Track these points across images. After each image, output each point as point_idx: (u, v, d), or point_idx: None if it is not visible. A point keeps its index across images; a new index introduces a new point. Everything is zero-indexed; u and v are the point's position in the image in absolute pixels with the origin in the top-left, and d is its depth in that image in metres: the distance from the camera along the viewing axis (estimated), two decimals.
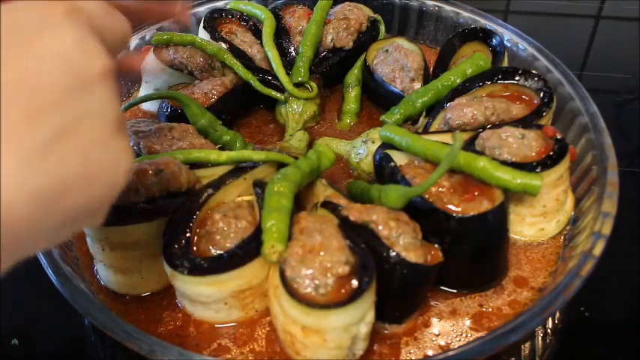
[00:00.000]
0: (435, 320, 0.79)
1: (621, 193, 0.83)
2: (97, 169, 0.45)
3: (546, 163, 0.80)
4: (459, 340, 0.77)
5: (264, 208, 0.75)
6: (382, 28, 1.20)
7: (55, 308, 0.90)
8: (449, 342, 0.77)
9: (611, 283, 0.91)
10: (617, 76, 1.34)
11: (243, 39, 1.14)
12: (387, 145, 0.88)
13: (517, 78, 0.94)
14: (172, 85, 1.06)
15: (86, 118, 0.44)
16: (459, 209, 0.76)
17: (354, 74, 1.14)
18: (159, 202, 0.79)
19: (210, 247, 0.75)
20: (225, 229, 0.76)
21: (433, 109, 0.98)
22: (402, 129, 0.89)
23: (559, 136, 0.83)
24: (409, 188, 0.76)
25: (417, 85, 1.04)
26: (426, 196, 0.77)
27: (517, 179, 0.77)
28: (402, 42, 1.11)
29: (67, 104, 0.43)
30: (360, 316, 0.67)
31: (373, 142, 0.94)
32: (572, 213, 0.90)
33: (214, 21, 1.16)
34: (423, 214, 0.76)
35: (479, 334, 0.77)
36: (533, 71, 0.95)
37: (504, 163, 0.80)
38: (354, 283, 0.68)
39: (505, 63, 1.06)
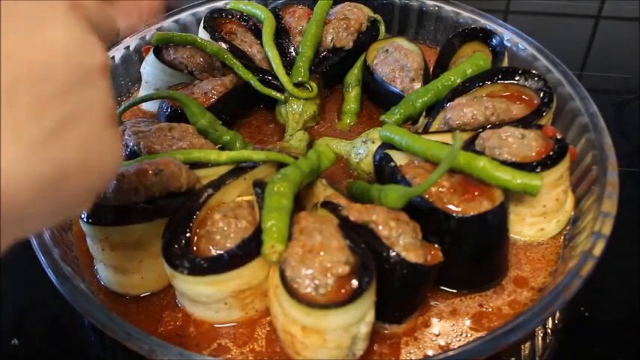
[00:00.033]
0: (435, 320, 0.79)
1: (621, 193, 0.83)
2: (93, 158, 0.47)
3: (546, 163, 0.80)
4: (459, 340, 0.77)
5: (264, 208, 0.75)
6: (382, 28, 1.20)
7: (55, 308, 0.90)
8: (449, 342, 0.77)
9: (611, 283, 0.91)
10: (617, 76, 1.34)
11: (243, 39, 1.14)
12: (387, 145, 0.88)
13: (517, 78, 0.94)
14: (172, 85, 1.06)
15: (86, 110, 0.46)
16: (459, 209, 0.76)
17: (354, 74, 1.14)
18: (159, 202, 0.79)
19: (210, 247, 0.75)
20: (225, 229, 0.76)
21: (433, 109, 0.98)
22: (402, 129, 0.89)
23: (559, 136, 0.84)
24: (409, 188, 0.76)
25: (417, 85, 1.04)
26: (426, 196, 0.77)
27: (517, 179, 0.77)
28: (402, 42, 1.11)
29: (70, 96, 0.45)
30: (360, 316, 0.67)
31: (373, 142, 0.94)
32: (572, 213, 0.90)
33: (214, 21, 1.16)
34: (423, 214, 0.76)
35: (479, 334, 0.77)
36: (533, 71, 0.95)
37: (504, 163, 0.80)
38: (354, 283, 0.68)
39: (505, 63, 1.06)
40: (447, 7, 1.24)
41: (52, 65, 0.44)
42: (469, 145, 0.85)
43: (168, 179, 0.79)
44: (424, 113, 0.99)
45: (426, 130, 0.94)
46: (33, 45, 0.43)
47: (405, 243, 0.72)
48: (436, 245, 0.77)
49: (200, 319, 0.78)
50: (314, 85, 1.07)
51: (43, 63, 0.43)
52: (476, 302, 0.81)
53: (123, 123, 0.94)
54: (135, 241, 0.78)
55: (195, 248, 0.76)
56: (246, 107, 1.12)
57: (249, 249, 0.73)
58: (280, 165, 0.88)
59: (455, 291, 0.82)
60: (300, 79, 1.06)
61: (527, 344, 0.83)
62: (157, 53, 1.07)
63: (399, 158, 0.86)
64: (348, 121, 1.10)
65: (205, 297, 0.74)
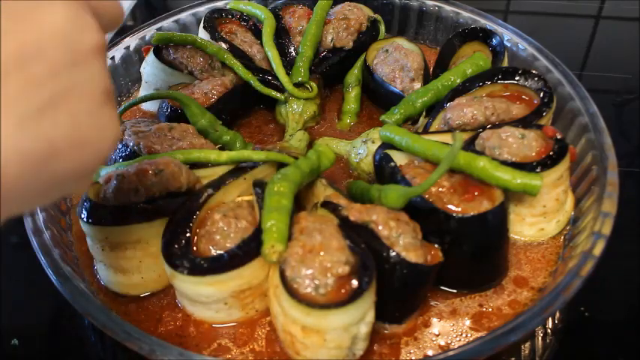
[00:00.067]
0: (435, 320, 0.79)
1: (621, 193, 0.83)
2: (85, 135, 0.48)
3: (546, 163, 0.80)
4: (459, 340, 0.77)
5: (264, 208, 0.75)
6: (382, 28, 1.20)
7: (55, 308, 0.90)
8: (449, 342, 0.77)
9: (611, 283, 0.91)
10: (617, 76, 1.34)
11: (243, 39, 1.14)
12: (387, 145, 0.88)
13: (517, 78, 0.94)
14: (172, 85, 1.06)
15: (78, 88, 0.47)
16: (459, 209, 0.76)
17: (354, 74, 1.14)
18: (159, 202, 0.79)
19: (210, 247, 0.75)
20: (225, 229, 0.76)
21: (433, 109, 0.98)
22: (402, 129, 0.89)
23: (559, 136, 0.83)
24: (409, 188, 0.76)
25: (417, 85, 1.04)
26: (426, 196, 0.77)
27: (517, 179, 0.77)
28: (402, 42, 1.11)
29: (61, 75, 0.46)
30: (360, 316, 0.67)
31: (373, 142, 0.94)
32: (572, 213, 0.90)
33: (214, 21, 1.16)
34: (423, 214, 0.76)
35: (479, 334, 0.77)
36: (533, 71, 0.95)
37: (504, 163, 0.80)
38: (354, 283, 0.68)
39: (505, 63, 1.06)
40: (447, 7, 1.24)
41: (45, 45, 0.45)
42: (469, 145, 0.85)
43: (168, 179, 0.79)
44: (424, 113, 0.99)
45: (426, 130, 0.94)
46: (26, 25, 0.44)
47: (405, 243, 0.72)
48: (436, 245, 0.77)
49: (200, 319, 0.78)
50: (314, 85, 1.07)
51: (34, 42, 0.44)
52: (476, 302, 0.81)
53: (123, 123, 0.94)
54: (135, 241, 0.78)
55: (195, 248, 0.76)
56: (246, 107, 1.12)
57: (249, 249, 0.73)
58: (280, 165, 0.88)
59: (455, 291, 0.82)
60: (300, 79, 1.06)
61: (527, 344, 0.83)
62: (157, 53, 1.07)
63: (399, 158, 0.86)
64: (348, 121, 1.10)
65: (205, 297, 0.74)
